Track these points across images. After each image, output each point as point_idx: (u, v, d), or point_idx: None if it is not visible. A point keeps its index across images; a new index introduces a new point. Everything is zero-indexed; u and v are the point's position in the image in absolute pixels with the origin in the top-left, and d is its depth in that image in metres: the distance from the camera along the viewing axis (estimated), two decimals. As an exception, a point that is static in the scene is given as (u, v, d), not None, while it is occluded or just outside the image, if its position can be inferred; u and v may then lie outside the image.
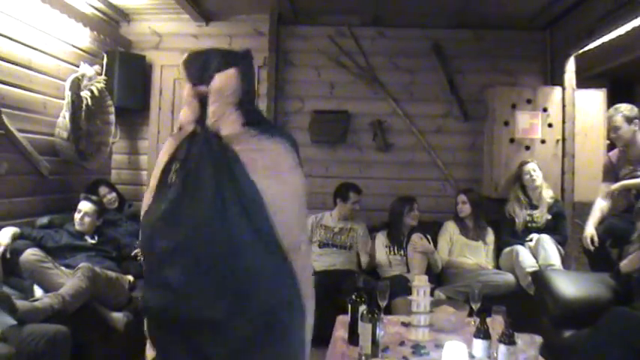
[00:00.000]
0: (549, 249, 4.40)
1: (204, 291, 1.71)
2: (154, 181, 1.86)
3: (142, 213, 1.88)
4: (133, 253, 4.44)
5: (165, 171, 1.83)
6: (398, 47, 5.51)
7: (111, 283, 3.63)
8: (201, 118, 1.82)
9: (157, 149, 5.60)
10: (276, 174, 1.78)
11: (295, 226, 1.80)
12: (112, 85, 5.06)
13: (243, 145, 1.77)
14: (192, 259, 1.71)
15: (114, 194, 4.80)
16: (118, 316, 3.53)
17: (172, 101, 5.65)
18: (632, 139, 4.03)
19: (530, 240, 4.55)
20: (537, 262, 4.35)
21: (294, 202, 1.81)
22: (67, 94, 4.46)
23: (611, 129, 4.14)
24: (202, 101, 1.82)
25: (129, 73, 5.26)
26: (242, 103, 1.83)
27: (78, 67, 4.67)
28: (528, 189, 4.76)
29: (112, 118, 5.02)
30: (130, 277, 4.04)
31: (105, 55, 5.14)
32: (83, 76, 4.64)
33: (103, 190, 4.72)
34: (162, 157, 1.87)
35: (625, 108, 4.06)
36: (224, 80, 1.81)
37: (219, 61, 1.82)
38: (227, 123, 1.80)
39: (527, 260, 4.34)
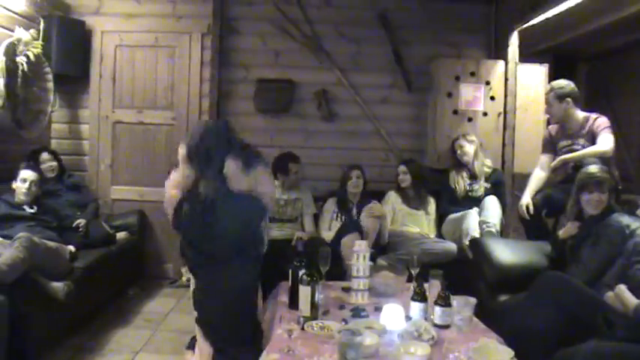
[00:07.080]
0: (492, 208, 4.55)
1: None
2: None
3: None
4: (74, 224, 4.38)
5: None
6: (344, 16, 5.46)
7: (51, 253, 3.58)
8: None
9: (99, 118, 5.48)
10: None
11: None
12: (49, 51, 4.90)
13: None
14: None
15: (55, 163, 4.74)
16: (58, 286, 3.48)
17: (113, 69, 5.49)
18: (566, 116, 4.09)
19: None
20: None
21: None
22: (2, 59, 4.28)
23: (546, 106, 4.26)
24: None
25: (68, 38, 5.08)
26: None
27: (13, 31, 4.49)
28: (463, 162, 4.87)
29: (51, 85, 4.87)
30: (72, 248, 3.98)
31: (42, 20, 4.95)
32: (19, 40, 4.47)
33: (44, 156, 4.67)
34: None
35: (558, 85, 4.12)
36: None
37: None
38: None
39: (473, 225, 4.43)
